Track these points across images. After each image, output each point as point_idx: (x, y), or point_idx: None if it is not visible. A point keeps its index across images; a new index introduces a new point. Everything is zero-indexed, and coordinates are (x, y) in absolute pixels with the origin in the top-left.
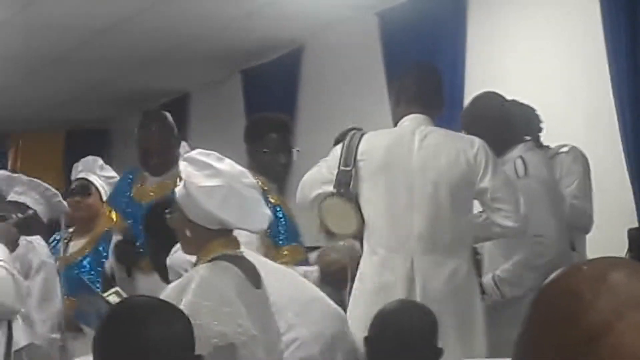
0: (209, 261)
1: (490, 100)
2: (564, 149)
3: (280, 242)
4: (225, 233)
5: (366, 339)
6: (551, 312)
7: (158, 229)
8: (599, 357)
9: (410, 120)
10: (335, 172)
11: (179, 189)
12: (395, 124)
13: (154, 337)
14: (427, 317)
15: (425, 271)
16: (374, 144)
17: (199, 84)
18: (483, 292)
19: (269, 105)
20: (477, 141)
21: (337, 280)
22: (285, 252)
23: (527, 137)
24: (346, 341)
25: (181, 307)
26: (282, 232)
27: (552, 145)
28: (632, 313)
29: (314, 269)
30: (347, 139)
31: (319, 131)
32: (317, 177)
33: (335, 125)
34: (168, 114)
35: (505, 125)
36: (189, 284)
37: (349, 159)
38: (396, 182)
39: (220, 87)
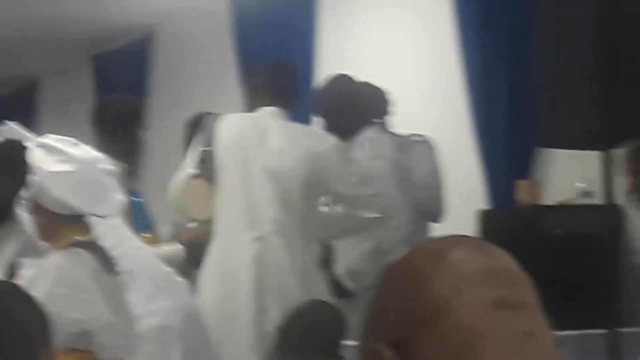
0: (63, 248)
1: (341, 83)
2: (416, 138)
3: (141, 229)
4: (77, 219)
5: (279, 329)
6: (394, 290)
7: None
8: (438, 333)
9: (266, 110)
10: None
11: (32, 176)
12: None
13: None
14: (341, 322)
15: (275, 256)
16: (232, 126)
17: (48, 71)
18: (337, 284)
19: (120, 91)
20: (328, 137)
21: (199, 259)
22: (144, 238)
23: (377, 120)
24: (199, 315)
25: (37, 295)
26: (142, 219)
27: (403, 132)
28: (470, 290)
29: (181, 248)
30: (208, 120)
31: (170, 117)
32: (182, 169)
33: (186, 110)
34: None
35: (356, 107)
36: (44, 272)
37: (208, 139)
38: (250, 166)
39: (71, 73)
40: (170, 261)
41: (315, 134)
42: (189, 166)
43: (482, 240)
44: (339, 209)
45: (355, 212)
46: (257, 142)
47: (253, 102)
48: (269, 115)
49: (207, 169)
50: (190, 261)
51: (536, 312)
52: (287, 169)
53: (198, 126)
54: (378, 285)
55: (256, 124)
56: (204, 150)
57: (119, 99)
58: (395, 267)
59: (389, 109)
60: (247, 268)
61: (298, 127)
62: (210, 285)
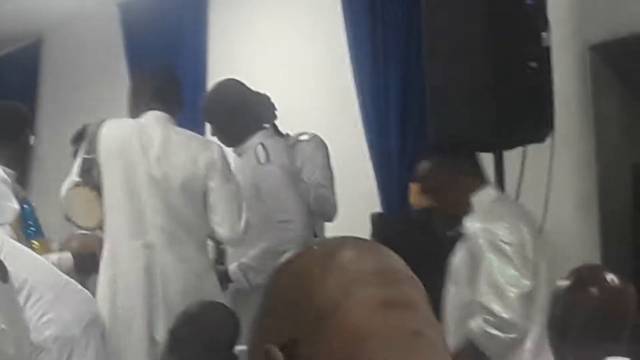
0: None
1: (229, 87)
2: (304, 137)
3: (30, 236)
4: None
5: (170, 332)
6: (283, 292)
7: None
8: (327, 335)
9: (151, 115)
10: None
11: None
12: None
13: None
14: (233, 323)
15: (165, 263)
16: (114, 132)
17: None
18: (229, 280)
19: (10, 97)
20: (214, 145)
21: (88, 266)
22: (35, 245)
23: (266, 125)
24: (101, 325)
25: None
26: (31, 225)
27: (292, 133)
28: (359, 290)
29: (68, 256)
30: (90, 128)
31: (60, 123)
32: (69, 177)
33: (77, 116)
34: None
35: (245, 111)
36: None
37: (91, 146)
38: (134, 172)
39: None
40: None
41: (202, 139)
42: (73, 174)
43: (371, 241)
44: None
45: (211, 221)
46: (139, 148)
47: (137, 106)
48: (152, 119)
49: (90, 176)
50: (79, 269)
51: (425, 311)
52: (169, 175)
53: (83, 138)
54: (267, 287)
55: (139, 130)
56: (86, 158)
57: (4, 104)
58: (284, 268)
59: (274, 114)
60: (137, 276)
61: (181, 132)
62: (104, 293)
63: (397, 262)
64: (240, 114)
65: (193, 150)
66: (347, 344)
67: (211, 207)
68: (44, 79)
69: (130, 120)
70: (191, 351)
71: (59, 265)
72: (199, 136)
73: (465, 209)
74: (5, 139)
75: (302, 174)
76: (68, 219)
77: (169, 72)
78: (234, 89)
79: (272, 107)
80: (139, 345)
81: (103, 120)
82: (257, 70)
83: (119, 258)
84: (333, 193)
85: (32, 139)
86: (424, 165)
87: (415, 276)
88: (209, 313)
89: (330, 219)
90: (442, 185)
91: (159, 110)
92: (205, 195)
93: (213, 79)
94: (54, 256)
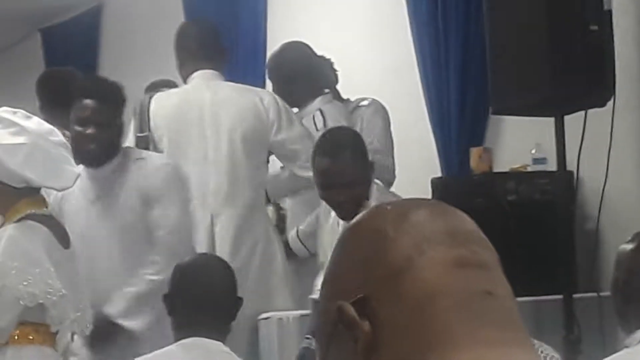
0: (17, 221)
1: (295, 50)
2: (364, 102)
3: None
4: (31, 192)
5: (165, 296)
6: (356, 250)
7: None
8: (400, 291)
9: (198, 77)
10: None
11: None
12: (185, 82)
13: None
14: (225, 268)
15: (225, 225)
16: (164, 105)
17: None
18: (290, 248)
19: (71, 63)
20: (267, 94)
21: None
22: None
23: (326, 90)
24: None
25: None
26: None
27: (353, 98)
28: (432, 249)
29: None
30: (138, 106)
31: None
32: None
33: (139, 81)
34: None
35: (307, 76)
36: None
37: (143, 124)
38: (190, 139)
39: (19, 47)
40: None
41: (255, 91)
42: None
43: (442, 203)
44: (284, 172)
45: (293, 169)
46: (193, 116)
47: (184, 66)
48: (199, 81)
49: None
50: None
51: (496, 272)
52: (227, 134)
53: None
54: (339, 245)
55: (186, 97)
56: (139, 137)
57: (59, 71)
58: (356, 226)
59: (336, 79)
60: (203, 244)
61: (231, 87)
62: None
63: (469, 223)
64: (303, 78)
65: (245, 104)
66: (419, 301)
67: (289, 155)
68: (104, 45)
69: (177, 90)
70: (186, 303)
71: None
72: (249, 87)
73: (364, 201)
74: (62, 105)
75: None
76: None
77: (206, 25)
78: (299, 52)
79: (334, 72)
80: None
81: (147, 96)
82: (316, 33)
83: None
84: (392, 159)
85: None
86: (334, 162)
87: (486, 238)
88: (203, 264)
89: (388, 186)
90: (355, 180)
91: (205, 68)
92: (272, 148)
93: (272, 40)
94: None
